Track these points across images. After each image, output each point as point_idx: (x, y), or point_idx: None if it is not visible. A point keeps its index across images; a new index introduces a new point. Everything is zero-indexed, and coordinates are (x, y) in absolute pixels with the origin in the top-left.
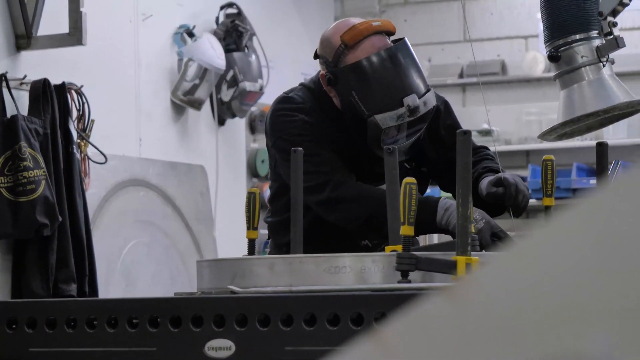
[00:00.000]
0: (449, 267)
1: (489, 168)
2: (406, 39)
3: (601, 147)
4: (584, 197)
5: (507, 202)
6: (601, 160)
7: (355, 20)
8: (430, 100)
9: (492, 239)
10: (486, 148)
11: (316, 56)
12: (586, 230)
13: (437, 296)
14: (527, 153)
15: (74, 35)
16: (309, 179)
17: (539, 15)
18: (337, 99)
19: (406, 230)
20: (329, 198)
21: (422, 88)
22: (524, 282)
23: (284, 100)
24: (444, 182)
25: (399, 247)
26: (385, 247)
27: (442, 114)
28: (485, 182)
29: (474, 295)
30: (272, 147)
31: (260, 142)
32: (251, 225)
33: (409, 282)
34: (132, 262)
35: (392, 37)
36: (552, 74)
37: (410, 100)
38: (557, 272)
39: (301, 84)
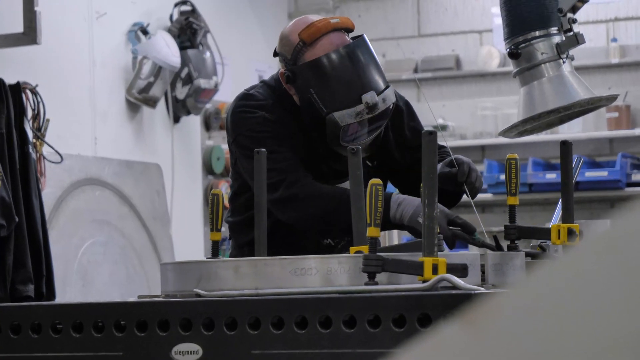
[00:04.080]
0: (416, 268)
1: (443, 157)
2: (365, 35)
3: (565, 146)
4: (608, 221)
5: (460, 178)
6: (565, 159)
7: (314, 17)
8: (390, 97)
9: (449, 227)
10: (444, 147)
11: (275, 54)
12: (607, 259)
13: (453, 324)
14: (483, 148)
15: (29, 35)
16: (269, 177)
17: (494, 10)
18: (297, 97)
19: (373, 231)
20: (282, 196)
21: (380, 85)
22: (543, 311)
23: (245, 97)
24: (405, 184)
25: (364, 248)
26: (350, 248)
27: (405, 115)
28: (438, 165)
29: (490, 323)
30: (232, 144)
31: (216, 140)
32: (215, 226)
33: (376, 283)
34: (89, 262)
35: (351, 34)
36: (507, 68)
37: (369, 97)
38: (576, 300)
39: (262, 81)
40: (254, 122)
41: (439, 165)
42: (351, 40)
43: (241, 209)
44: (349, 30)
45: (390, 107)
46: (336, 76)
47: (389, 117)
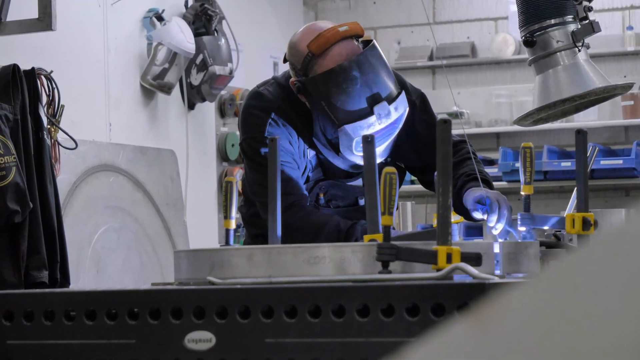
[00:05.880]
0: (430, 257)
1: (473, 176)
2: (375, 42)
3: (580, 135)
4: (623, 211)
5: (489, 222)
6: (580, 148)
7: (323, 24)
8: (402, 103)
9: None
10: (464, 142)
11: (285, 60)
12: (615, 261)
13: (462, 322)
14: (498, 135)
15: (44, 21)
16: (262, 193)
17: None
18: (309, 104)
19: (386, 220)
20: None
21: (392, 92)
22: (551, 311)
23: (255, 96)
24: (422, 177)
25: (378, 236)
26: (364, 237)
27: (418, 109)
28: (470, 198)
29: (499, 322)
30: (240, 144)
31: (230, 126)
32: (228, 214)
33: (390, 272)
34: (103, 248)
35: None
36: (522, 56)
37: (381, 108)
38: (585, 302)
39: (273, 78)
40: (258, 131)
41: (470, 200)
42: (361, 46)
43: (252, 201)
44: (359, 36)
45: (403, 113)
46: (346, 89)
47: (402, 121)
